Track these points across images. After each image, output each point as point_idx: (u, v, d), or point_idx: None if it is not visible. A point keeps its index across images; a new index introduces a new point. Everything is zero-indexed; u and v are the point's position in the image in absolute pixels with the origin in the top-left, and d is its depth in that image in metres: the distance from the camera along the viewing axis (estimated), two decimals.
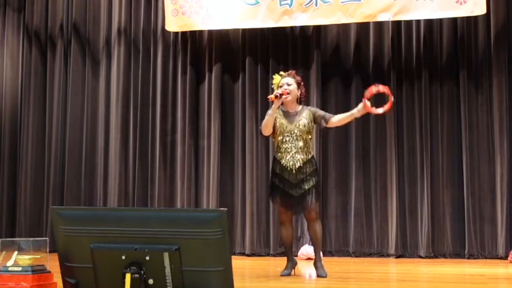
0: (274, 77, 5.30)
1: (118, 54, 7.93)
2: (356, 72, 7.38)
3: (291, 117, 5.12)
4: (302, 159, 5.05)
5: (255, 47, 7.59)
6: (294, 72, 5.28)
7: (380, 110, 4.95)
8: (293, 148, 5.06)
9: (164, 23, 7.61)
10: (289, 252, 5.29)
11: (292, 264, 5.24)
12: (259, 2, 7.20)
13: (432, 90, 7.16)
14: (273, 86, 5.31)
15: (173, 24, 7.50)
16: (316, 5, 7.04)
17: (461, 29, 7.13)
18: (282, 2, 7.13)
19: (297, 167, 5.03)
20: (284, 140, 5.09)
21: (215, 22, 7.37)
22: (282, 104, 5.09)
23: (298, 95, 5.16)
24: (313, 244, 5.31)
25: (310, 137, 5.13)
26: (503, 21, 7.04)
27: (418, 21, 7.19)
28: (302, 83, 5.24)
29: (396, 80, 7.23)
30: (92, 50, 8.08)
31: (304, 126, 5.08)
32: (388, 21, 7.15)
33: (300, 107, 5.18)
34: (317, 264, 5.12)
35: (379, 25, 7.29)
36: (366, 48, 7.41)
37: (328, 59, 7.51)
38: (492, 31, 7.02)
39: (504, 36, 7.02)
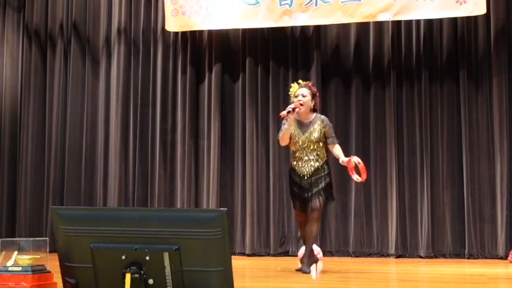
0: (292, 85, 5.59)
1: (118, 53, 7.93)
2: (356, 72, 7.38)
3: (304, 128, 5.41)
4: (314, 166, 5.36)
5: (255, 47, 7.59)
6: (310, 83, 5.61)
7: (354, 177, 5.34)
8: (306, 157, 5.37)
9: (164, 23, 7.61)
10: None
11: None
12: (259, 2, 7.20)
13: (432, 90, 7.16)
14: (290, 94, 5.55)
15: (173, 24, 7.50)
16: (316, 5, 7.04)
17: (461, 29, 7.13)
18: (282, 2, 7.13)
19: (309, 174, 5.34)
20: (297, 149, 5.40)
21: (215, 22, 7.36)
22: (297, 113, 5.35)
23: (312, 105, 5.44)
24: (306, 240, 5.45)
25: (322, 145, 5.42)
26: (503, 21, 7.03)
27: (418, 21, 7.19)
28: (317, 94, 5.55)
29: (396, 80, 7.23)
30: (91, 49, 8.07)
31: (317, 137, 5.38)
32: (388, 21, 7.14)
33: (314, 115, 5.46)
34: (303, 259, 5.39)
35: (379, 25, 7.29)
36: (366, 48, 7.41)
37: (328, 59, 7.51)
38: (492, 31, 7.01)
39: (504, 36, 7.02)
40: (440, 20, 7.13)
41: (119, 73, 7.91)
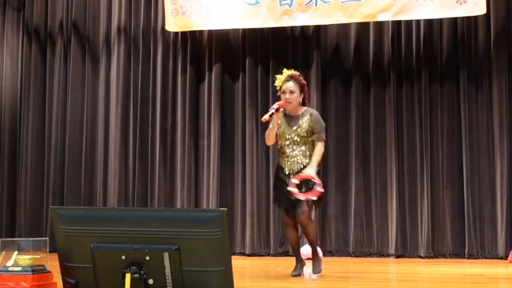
0: (277, 76, 5.26)
1: (118, 52, 7.92)
2: (356, 72, 7.38)
3: (293, 122, 5.11)
4: (302, 163, 5.03)
5: (255, 47, 7.59)
6: (297, 74, 5.21)
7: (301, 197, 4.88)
8: (294, 152, 5.07)
9: (164, 23, 7.61)
10: (296, 253, 5.25)
11: (301, 264, 5.21)
12: (259, 2, 7.20)
13: (432, 90, 7.16)
14: (276, 87, 5.27)
15: (173, 24, 7.50)
16: (316, 5, 7.04)
17: (461, 29, 7.13)
18: (282, 2, 7.13)
19: (295, 171, 5.02)
20: (285, 144, 5.10)
21: (215, 22, 7.37)
22: (281, 112, 5.08)
23: (301, 99, 5.14)
24: (311, 242, 5.29)
25: (311, 141, 5.11)
26: (503, 21, 7.03)
27: (418, 21, 7.19)
28: (305, 85, 5.22)
29: (396, 79, 7.23)
30: (91, 48, 8.07)
31: (305, 132, 5.07)
32: (388, 21, 7.14)
33: (303, 109, 5.16)
34: (309, 265, 5.23)
35: (379, 25, 7.29)
36: (366, 48, 7.41)
37: (328, 59, 7.51)
38: (492, 31, 7.01)
39: (504, 36, 7.02)
40: (440, 20, 7.13)
41: (118, 72, 7.91)
